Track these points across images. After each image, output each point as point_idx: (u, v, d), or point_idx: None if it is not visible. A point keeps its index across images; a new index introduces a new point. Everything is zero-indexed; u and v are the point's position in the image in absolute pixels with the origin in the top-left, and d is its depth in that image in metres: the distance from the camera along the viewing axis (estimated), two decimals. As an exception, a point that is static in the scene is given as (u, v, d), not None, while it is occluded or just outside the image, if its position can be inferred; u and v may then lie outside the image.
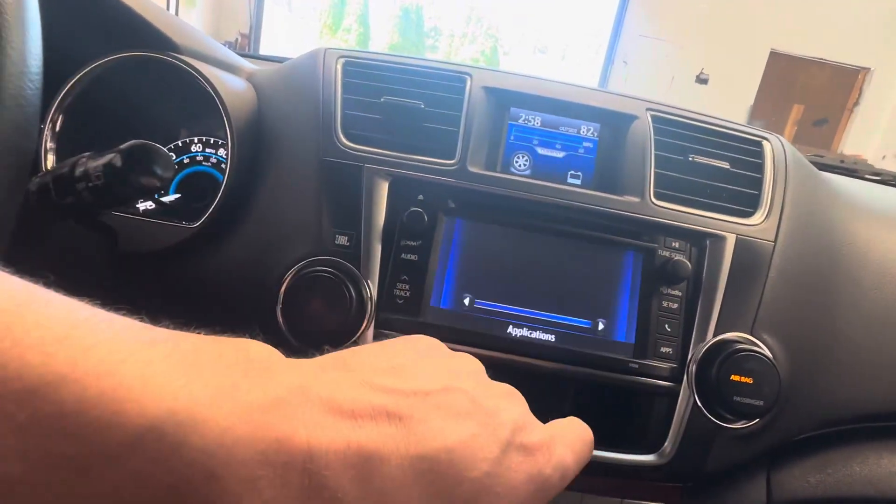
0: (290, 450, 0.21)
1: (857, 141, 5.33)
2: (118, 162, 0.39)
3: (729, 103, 5.24)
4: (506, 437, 0.27)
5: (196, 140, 0.68)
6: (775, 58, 5.32)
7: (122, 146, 0.39)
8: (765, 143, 0.65)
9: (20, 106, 0.29)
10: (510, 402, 0.29)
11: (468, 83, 0.62)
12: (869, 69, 5.37)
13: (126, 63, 0.60)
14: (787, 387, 0.55)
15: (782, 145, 0.65)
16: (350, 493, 0.22)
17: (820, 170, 0.75)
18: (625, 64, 5.29)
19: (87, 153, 0.41)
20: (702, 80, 5.30)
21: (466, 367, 0.30)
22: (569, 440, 0.31)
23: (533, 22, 5.72)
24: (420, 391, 0.26)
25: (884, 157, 5.18)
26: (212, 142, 0.68)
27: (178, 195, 0.68)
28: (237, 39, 5.08)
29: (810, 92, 5.37)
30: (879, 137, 5.34)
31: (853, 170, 1.22)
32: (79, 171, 0.40)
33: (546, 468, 0.28)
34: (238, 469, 0.20)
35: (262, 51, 5.20)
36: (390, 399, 0.25)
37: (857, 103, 5.43)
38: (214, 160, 0.68)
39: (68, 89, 0.59)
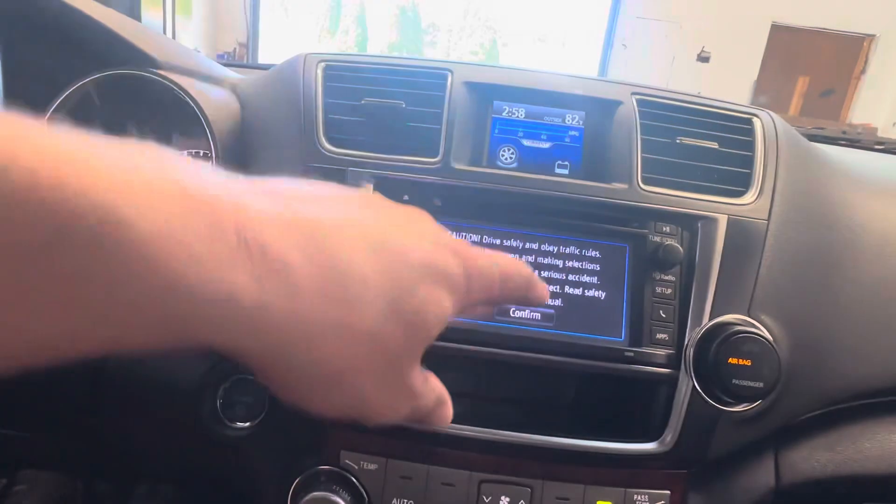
0: (214, 205, 0.19)
1: (866, 110, 5.24)
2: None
3: (732, 80, 5.17)
4: (432, 236, 0.28)
5: (185, 154, 0.69)
6: (777, 31, 5.24)
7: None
8: (755, 119, 0.64)
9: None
10: (422, 215, 0.31)
11: (449, 79, 0.61)
12: (874, 36, 5.27)
13: (107, 82, 0.60)
14: (788, 367, 0.55)
15: (773, 121, 0.64)
16: (298, 260, 0.21)
17: (822, 143, 0.74)
18: (624, 47, 5.24)
19: None
20: (703, 58, 5.24)
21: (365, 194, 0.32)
22: (494, 259, 0.32)
23: (530, 11, 5.68)
24: (340, 196, 0.27)
25: (894, 124, 5.09)
26: (201, 154, 0.68)
27: (170, 209, 0.68)
28: (235, 49, 5.11)
29: (815, 63, 5.28)
30: (889, 105, 5.24)
31: (856, 140, 1.20)
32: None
33: (471, 268, 0.29)
34: (148, 214, 0.17)
35: (262, 59, 5.22)
36: (314, 190, 0.25)
37: (863, 71, 5.34)
38: (204, 172, 0.68)
39: (51, 114, 0.59)
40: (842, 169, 0.69)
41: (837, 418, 0.62)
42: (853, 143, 1.16)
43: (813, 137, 0.90)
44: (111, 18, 0.60)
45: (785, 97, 5.19)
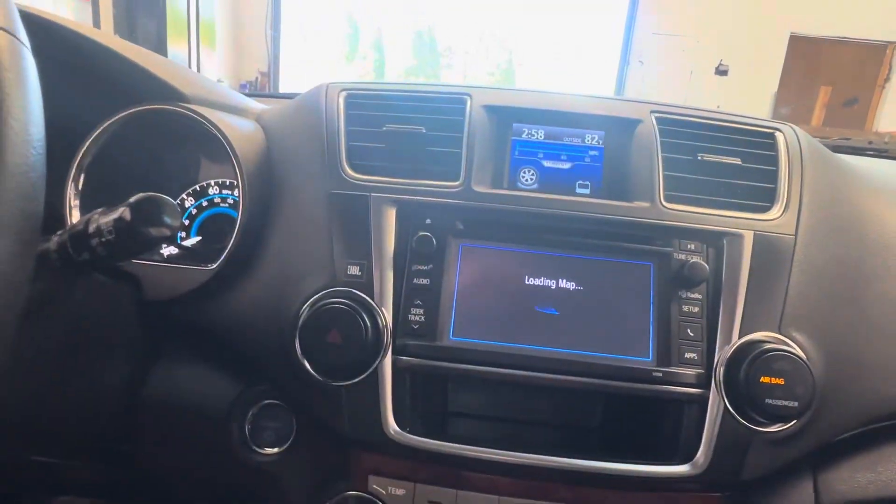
0: None
1: (891, 117, 5.13)
2: (127, 216, 0.40)
3: (752, 93, 5.12)
4: None
5: (213, 183, 0.70)
6: (796, 41, 5.19)
7: (130, 200, 0.41)
8: (777, 134, 0.63)
9: (25, 173, 0.31)
10: None
11: (468, 103, 0.62)
12: (897, 43, 5.18)
13: (138, 117, 0.62)
14: (823, 384, 0.53)
15: (796, 135, 0.64)
16: None
17: (848, 153, 0.73)
18: (641, 63, 5.24)
19: (101, 209, 0.43)
20: (721, 71, 5.20)
21: None
22: None
23: (546, 30, 5.72)
24: None
25: (923, 132, 4.97)
26: (228, 183, 0.70)
27: (199, 238, 0.70)
28: (257, 78, 5.24)
29: (837, 72, 5.21)
30: (916, 112, 5.13)
31: (883, 150, 1.17)
32: (91, 227, 0.41)
33: None
34: None
35: (283, 86, 5.34)
36: None
37: (887, 79, 5.24)
38: (231, 201, 0.70)
39: (86, 149, 0.61)
40: (869, 180, 0.68)
41: (878, 438, 0.60)
42: (881, 153, 1.13)
43: (838, 148, 0.89)
44: (141, 55, 0.63)
45: (807, 108, 5.11)
